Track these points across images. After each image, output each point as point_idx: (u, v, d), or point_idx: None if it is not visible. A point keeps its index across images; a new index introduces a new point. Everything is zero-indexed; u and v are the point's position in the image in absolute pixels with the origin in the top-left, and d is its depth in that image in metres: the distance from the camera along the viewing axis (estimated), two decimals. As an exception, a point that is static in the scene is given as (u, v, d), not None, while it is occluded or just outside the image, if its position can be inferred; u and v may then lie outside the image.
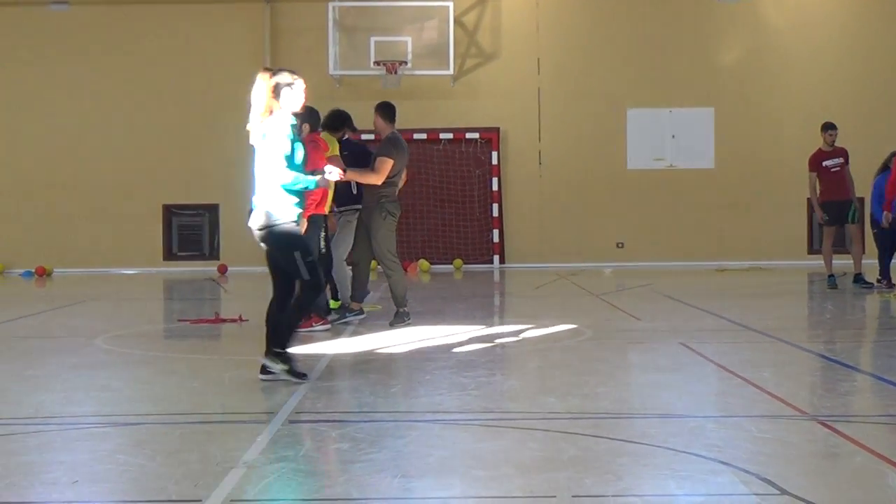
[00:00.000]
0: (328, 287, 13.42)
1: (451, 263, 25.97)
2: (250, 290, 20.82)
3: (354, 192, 13.83)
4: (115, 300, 18.82)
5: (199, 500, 5.44)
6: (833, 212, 18.05)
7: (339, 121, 13.71)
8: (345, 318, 13.31)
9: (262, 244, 9.21)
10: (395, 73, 24.94)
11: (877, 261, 18.46)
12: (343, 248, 13.78)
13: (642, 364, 10.51)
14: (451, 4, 25.44)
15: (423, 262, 25.44)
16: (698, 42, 26.22)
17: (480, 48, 26.30)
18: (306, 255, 9.10)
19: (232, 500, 5.46)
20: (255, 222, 9.11)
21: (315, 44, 25.56)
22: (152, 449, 6.62)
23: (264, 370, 9.11)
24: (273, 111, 9.04)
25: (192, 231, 26.55)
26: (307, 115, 12.89)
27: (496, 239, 26.17)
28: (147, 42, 26.23)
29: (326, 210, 12.91)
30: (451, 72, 25.58)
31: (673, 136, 26.17)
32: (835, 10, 26.29)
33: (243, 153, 26.00)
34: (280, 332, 9.10)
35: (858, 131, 23.82)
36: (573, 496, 5.50)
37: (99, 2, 26.26)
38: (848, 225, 18.21)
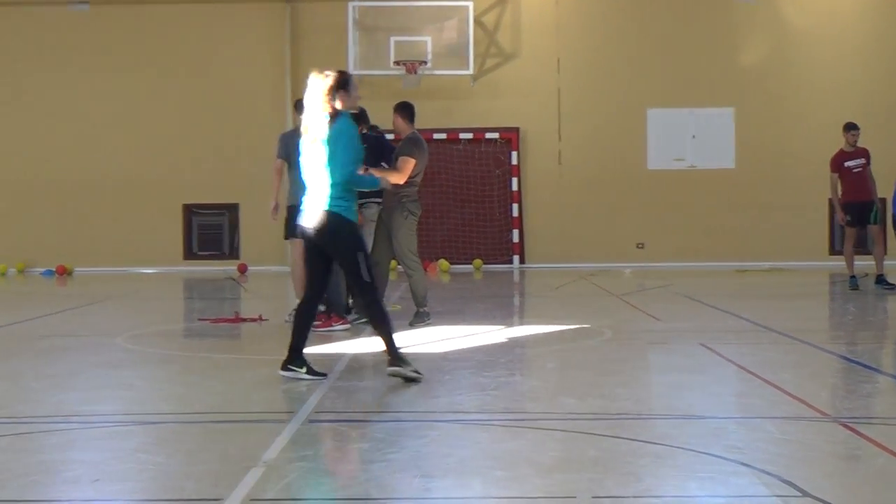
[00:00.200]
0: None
1: (471, 263, 25.95)
2: (270, 289, 20.87)
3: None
4: (135, 299, 18.87)
5: (219, 499, 5.45)
6: (855, 213, 17.99)
7: (357, 118, 13.67)
8: (364, 318, 13.28)
9: (318, 244, 9.08)
10: (415, 72, 24.95)
11: (899, 262, 18.40)
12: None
13: (662, 365, 10.48)
14: (470, 4, 25.43)
15: (443, 262, 25.43)
16: (719, 42, 26.15)
17: (500, 48, 26.28)
18: (367, 258, 9.10)
19: (251, 499, 5.47)
20: (314, 222, 8.99)
21: (335, 44, 25.56)
22: (173, 447, 6.64)
23: (286, 367, 9.12)
24: (331, 112, 8.98)
25: (213, 230, 26.59)
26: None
27: (516, 239, 26.15)
28: (167, 42, 26.28)
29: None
30: (470, 71, 25.56)
31: (693, 137, 26.11)
32: (856, 9, 26.18)
33: (264, 153, 26.11)
34: (389, 343, 8.96)
35: (880, 131, 23.75)
36: (593, 497, 5.49)
37: (119, 2, 26.32)
38: (870, 226, 18.15)
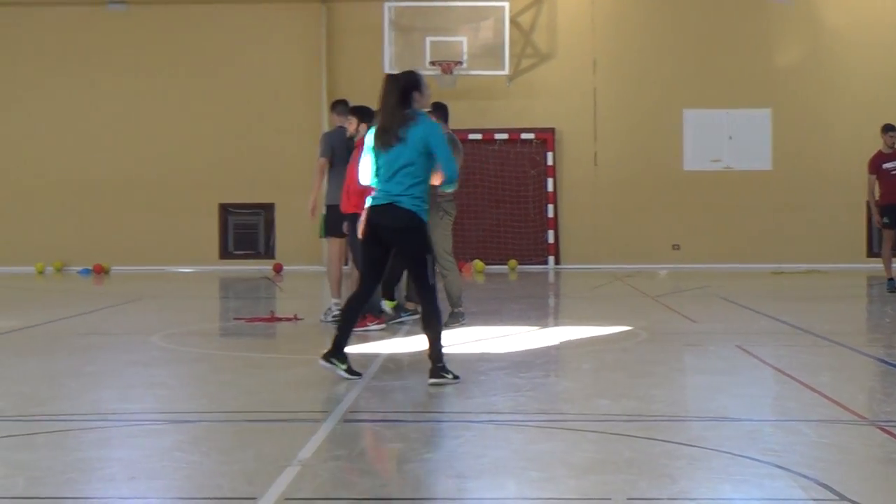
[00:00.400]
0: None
1: (506, 264, 25.93)
2: (305, 289, 20.92)
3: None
4: (171, 298, 18.95)
5: (254, 498, 5.46)
6: (892, 215, 17.87)
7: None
8: (400, 317, 13.31)
9: (391, 242, 9.04)
10: (451, 73, 24.95)
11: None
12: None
13: (698, 366, 10.44)
14: (506, 4, 25.41)
15: (478, 263, 25.42)
16: (755, 42, 26.03)
17: (536, 48, 26.25)
18: (433, 261, 9.12)
19: (286, 499, 5.48)
20: (396, 220, 8.93)
21: (371, 44, 25.59)
22: (208, 446, 6.66)
23: (328, 360, 9.08)
24: (409, 112, 8.95)
25: (248, 230, 26.68)
26: (363, 114, 12.94)
27: (551, 240, 26.11)
28: (203, 42, 26.38)
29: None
30: (506, 72, 25.54)
31: (730, 138, 26.00)
32: (893, 9, 26.02)
33: (299, 153, 26.21)
34: (437, 349, 8.89)
35: (918, 133, 23.56)
36: (628, 499, 5.48)
37: (156, 2, 26.45)
38: (907, 228, 18.01)
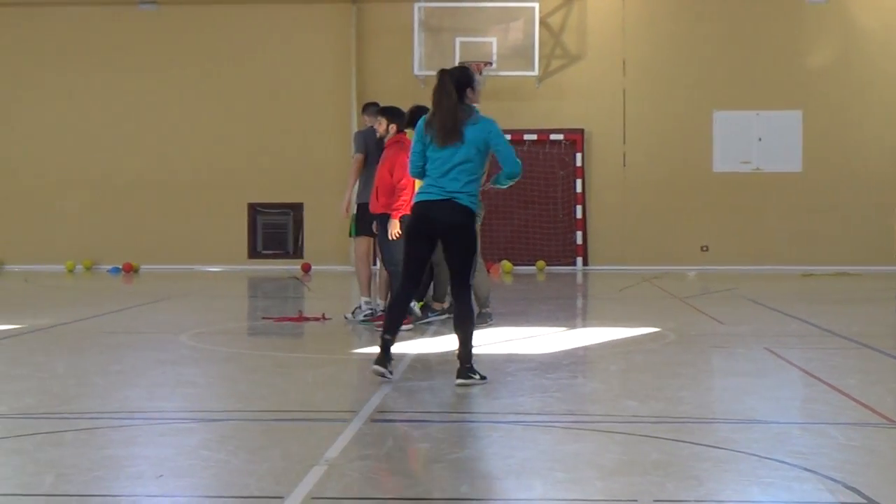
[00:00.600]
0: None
1: (534, 265, 25.92)
2: (333, 288, 20.94)
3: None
4: (200, 297, 19.01)
5: (281, 497, 5.47)
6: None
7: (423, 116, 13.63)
8: (427, 318, 13.31)
9: (444, 238, 8.96)
10: (480, 73, 24.91)
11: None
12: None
13: (726, 368, 10.42)
14: (536, 5, 25.40)
15: (506, 263, 25.41)
16: (786, 43, 25.93)
17: (565, 49, 26.22)
18: (475, 261, 9.10)
19: (313, 498, 5.48)
20: (454, 216, 8.86)
21: (401, 44, 25.62)
22: (235, 445, 6.67)
23: (383, 365, 8.92)
24: (465, 109, 8.92)
25: (277, 229, 26.74)
26: (393, 115, 12.94)
27: (579, 241, 26.07)
28: (234, 42, 26.46)
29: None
30: (535, 73, 25.53)
31: (760, 139, 25.92)
32: (927, 12, 25.90)
33: (328, 153, 26.27)
34: (467, 349, 8.85)
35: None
36: (654, 500, 5.47)
37: (187, 2, 26.54)
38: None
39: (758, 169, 25.96)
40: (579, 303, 18.98)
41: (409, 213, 12.53)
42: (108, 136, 26.46)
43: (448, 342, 11.11)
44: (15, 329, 12.99)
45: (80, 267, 26.09)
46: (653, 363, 10.48)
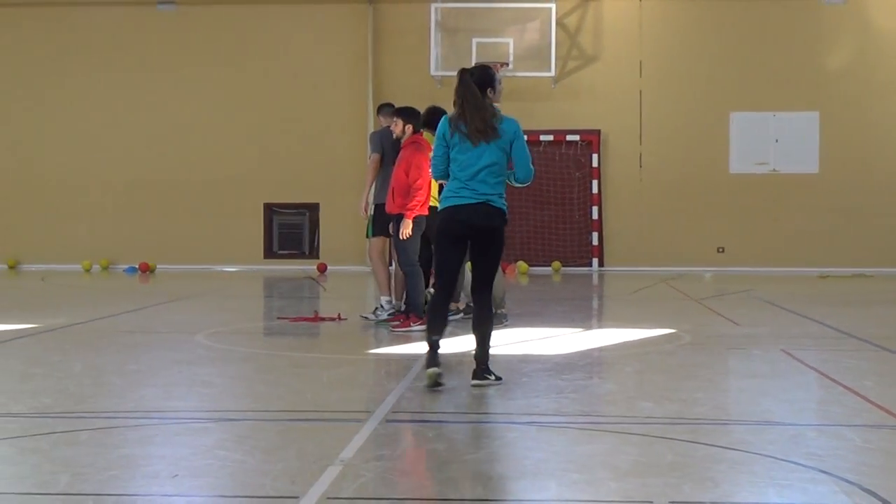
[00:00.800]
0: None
1: (550, 266, 25.91)
2: (349, 289, 20.96)
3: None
4: (215, 297, 19.04)
5: (296, 497, 5.48)
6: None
7: (438, 117, 13.57)
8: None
9: (479, 240, 8.84)
10: (497, 74, 24.88)
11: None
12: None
13: (741, 370, 10.40)
14: (553, 6, 25.39)
15: (522, 264, 25.41)
16: (804, 44, 25.87)
17: (582, 50, 26.21)
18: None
19: (328, 498, 5.49)
20: (491, 219, 8.79)
21: (417, 45, 25.64)
22: (251, 445, 6.68)
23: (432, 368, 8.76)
24: (491, 109, 8.84)
25: (293, 230, 26.78)
26: (409, 116, 12.94)
27: (595, 242, 26.05)
28: (251, 42, 26.51)
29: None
30: (552, 73, 25.52)
31: (776, 141, 25.86)
32: (945, 13, 25.81)
33: (344, 153, 26.29)
34: (484, 350, 8.83)
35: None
36: (670, 502, 5.46)
37: (205, 2, 26.59)
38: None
39: (774, 170, 25.91)
40: (595, 304, 18.97)
41: (423, 213, 12.60)
42: (125, 136, 26.53)
43: (463, 342, 11.12)
44: (31, 328, 13.02)
45: (96, 266, 26.16)
46: (668, 364, 10.47)
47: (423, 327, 12.56)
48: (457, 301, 13.41)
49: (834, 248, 25.61)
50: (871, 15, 25.77)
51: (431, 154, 9.16)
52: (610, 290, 21.55)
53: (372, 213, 13.62)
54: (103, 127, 26.54)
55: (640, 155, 26.10)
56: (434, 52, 25.35)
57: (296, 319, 14.14)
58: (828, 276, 24.04)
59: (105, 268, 26.19)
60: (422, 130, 12.86)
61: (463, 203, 8.78)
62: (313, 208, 26.58)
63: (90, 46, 26.62)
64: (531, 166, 8.92)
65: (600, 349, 11.59)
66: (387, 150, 13.43)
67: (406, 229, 12.48)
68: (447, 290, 9.03)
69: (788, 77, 25.80)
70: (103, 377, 9.50)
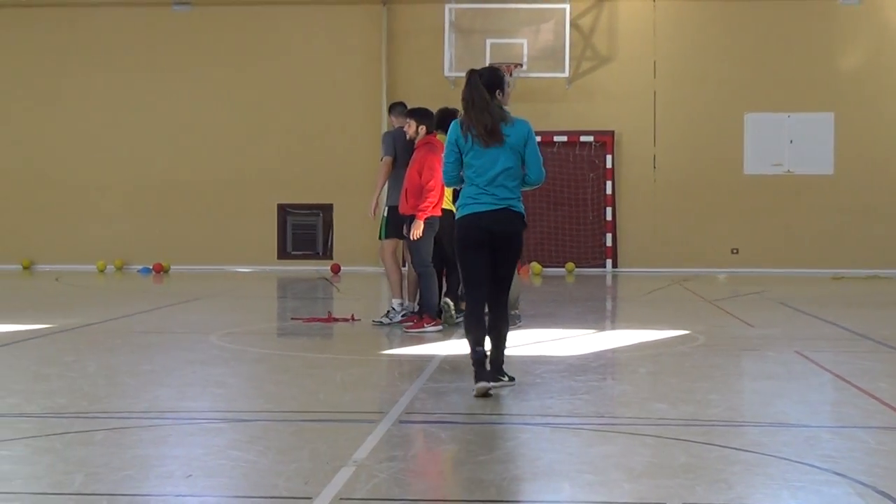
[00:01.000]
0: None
1: (564, 267, 25.89)
2: (363, 290, 20.97)
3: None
4: (229, 297, 19.06)
5: (309, 498, 5.48)
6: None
7: (451, 118, 13.55)
8: (458, 316, 13.25)
9: (501, 245, 8.64)
10: (511, 75, 24.91)
11: None
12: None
13: (755, 371, 10.38)
14: (567, 7, 25.38)
15: (536, 265, 25.40)
16: (819, 45, 25.82)
17: (596, 51, 26.18)
18: None
19: (341, 499, 5.49)
20: (513, 225, 8.64)
21: (431, 45, 25.65)
22: (264, 445, 6.69)
23: (495, 379, 8.64)
24: (499, 111, 8.69)
25: (307, 230, 26.81)
26: (422, 117, 12.93)
27: (609, 243, 26.04)
28: (265, 43, 26.54)
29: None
30: (566, 74, 25.50)
31: (791, 142, 25.81)
32: (960, 14, 25.74)
33: (358, 154, 26.31)
34: (500, 351, 8.74)
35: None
36: (683, 503, 5.45)
37: (219, 3, 26.63)
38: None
39: (789, 171, 25.86)
40: (608, 305, 18.95)
41: (436, 214, 12.59)
42: (139, 136, 26.59)
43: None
44: (46, 328, 13.06)
45: (111, 267, 26.21)
46: (682, 366, 10.45)
47: (437, 328, 12.64)
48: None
49: (848, 249, 25.55)
50: (886, 16, 25.70)
51: (442, 159, 8.98)
52: (624, 291, 21.53)
53: (385, 214, 13.58)
54: (119, 128, 26.60)
55: (654, 156, 26.07)
56: (448, 53, 25.35)
57: (309, 320, 14.15)
58: (842, 278, 23.99)
59: (119, 268, 26.25)
60: (435, 132, 12.85)
61: (484, 210, 8.60)
62: (327, 209, 26.60)
63: (105, 47, 26.67)
64: (543, 168, 8.84)
65: (614, 350, 11.58)
66: (399, 151, 13.37)
67: (417, 230, 12.48)
68: (480, 299, 8.77)
69: (803, 78, 25.75)
70: (117, 377, 9.51)
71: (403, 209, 12.72)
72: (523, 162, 8.67)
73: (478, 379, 8.43)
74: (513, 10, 25.53)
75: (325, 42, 26.45)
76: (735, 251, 25.94)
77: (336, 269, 25.64)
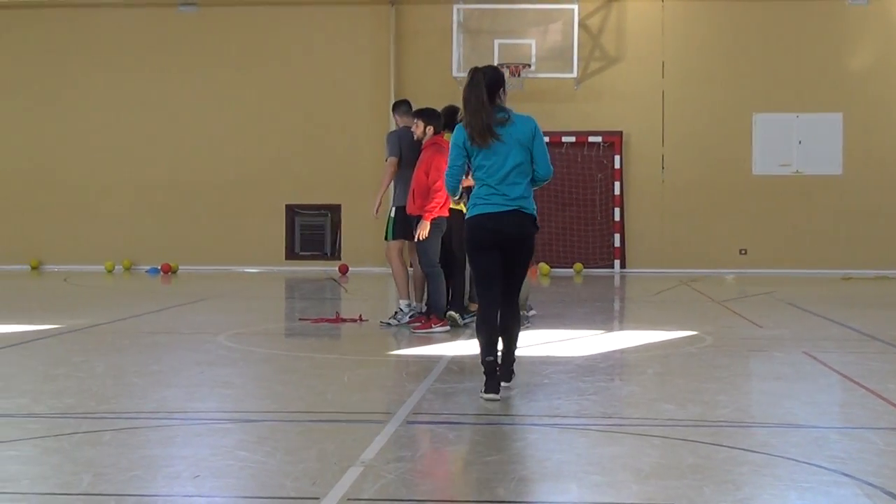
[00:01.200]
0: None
1: (572, 267, 25.88)
2: (370, 290, 20.97)
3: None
4: (237, 298, 19.07)
5: (317, 498, 5.48)
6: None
7: (457, 116, 13.49)
8: (464, 319, 13.26)
9: (514, 247, 8.52)
10: (519, 75, 24.92)
11: None
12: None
13: (764, 372, 10.36)
14: (575, 7, 25.36)
15: (544, 266, 25.38)
16: (827, 45, 25.79)
17: (604, 51, 26.17)
18: None
19: (349, 499, 5.49)
20: (524, 228, 8.51)
21: (439, 46, 25.65)
22: (272, 446, 6.69)
23: (506, 380, 8.66)
24: (496, 109, 8.52)
25: (315, 231, 26.83)
26: (430, 117, 12.90)
27: (617, 243, 26.02)
28: (272, 43, 26.56)
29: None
30: (574, 75, 25.49)
31: (800, 142, 25.78)
32: (969, 14, 25.70)
33: (366, 155, 26.31)
34: (511, 352, 8.71)
35: None
36: (691, 505, 5.45)
37: (226, 3, 26.65)
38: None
39: (798, 172, 25.83)
40: (616, 305, 18.93)
41: (443, 215, 12.59)
42: (147, 137, 26.62)
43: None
44: (54, 329, 13.07)
45: (119, 267, 26.25)
46: (690, 366, 10.44)
47: (445, 329, 12.63)
48: (474, 301, 13.36)
49: (857, 250, 25.52)
50: (894, 16, 25.66)
51: (448, 163, 8.76)
52: (632, 291, 21.51)
53: (392, 215, 13.49)
54: (125, 128, 26.63)
55: (663, 156, 26.06)
56: (456, 53, 25.34)
57: (317, 321, 14.15)
58: (851, 279, 23.96)
59: (127, 269, 26.28)
60: (443, 132, 12.82)
61: (494, 211, 8.46)
62: (335, 210, 26.62)
63: (111, 48, 26.71)
64: (550, 164, 8.76)
65: (622, 351, 11.57)
66: (405, 151, 13.27)
67: (423, 230, 12.47)
68: (493, 301, 8.59)
69: (812, 78, 25.73)
70: (125, 378, 9.52)
71: (411, 209, 12.70)
72: (531, 159, 8.59)
73: (487, 389, 8.33)
74: (521, 11, 25.52)
75: (332, 42, 26.46)
76: (743, 252, 25.91)
77: (344, 270, 25.65)
